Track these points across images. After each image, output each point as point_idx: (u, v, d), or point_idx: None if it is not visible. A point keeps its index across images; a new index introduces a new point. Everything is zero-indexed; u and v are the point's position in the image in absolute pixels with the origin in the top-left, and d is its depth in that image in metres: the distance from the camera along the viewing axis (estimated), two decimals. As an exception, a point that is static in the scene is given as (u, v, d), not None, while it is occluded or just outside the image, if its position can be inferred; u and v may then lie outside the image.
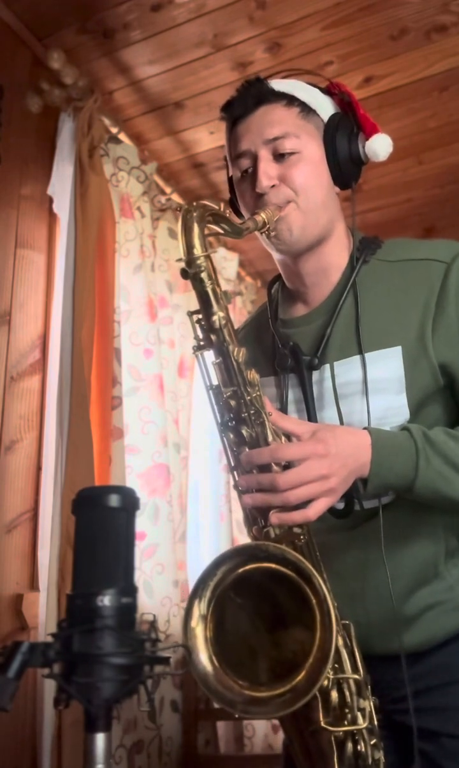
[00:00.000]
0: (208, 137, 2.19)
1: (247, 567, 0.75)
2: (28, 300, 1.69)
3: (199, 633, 0.73)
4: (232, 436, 0.85)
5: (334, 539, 0.97)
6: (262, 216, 0.91)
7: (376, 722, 0.84)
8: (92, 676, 0.52)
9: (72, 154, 1.76)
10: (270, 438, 0.83)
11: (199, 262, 0.84)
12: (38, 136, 1.80)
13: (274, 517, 0.80)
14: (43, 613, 1.47)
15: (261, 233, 0.94)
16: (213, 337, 0.86)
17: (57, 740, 1.43)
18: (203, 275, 0.84)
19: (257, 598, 0.78)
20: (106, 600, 0.54)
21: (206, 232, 0.86)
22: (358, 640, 0.87)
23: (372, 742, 0.82)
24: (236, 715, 0.71)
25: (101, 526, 0.57)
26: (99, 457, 1.69)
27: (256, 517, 0.84)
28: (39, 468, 1.63)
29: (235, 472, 0.86)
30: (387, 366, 0.92)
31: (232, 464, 0.86)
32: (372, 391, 0.92)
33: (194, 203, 0.86)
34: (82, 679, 0.52)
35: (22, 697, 1.46)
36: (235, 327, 0.89)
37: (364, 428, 0.87)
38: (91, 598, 0.54)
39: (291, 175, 0.95)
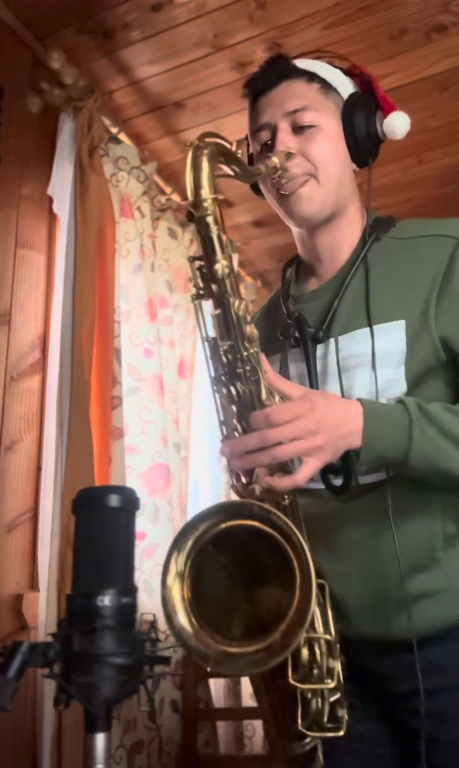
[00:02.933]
0: (207, 137, 2.19)
1: (229, 523, 0.73)
2: (28, 300, 1.69)
3: (176, 589, 0.72)
4: (224, 391, 0.83)
5: (327, 515, 0.95)
6: (273, 159, 0.91)
7: (342, 681, 0.84)
8: (92, 676, 0.52)
9: (72, 154, 1.76)
10: (264, 395, 0.81)
11: (206, 204, 0.79)
12: (38, 136, 1.80)
13: (263, 481, 0.79)
14: (43, 613, 1.47)
15: (272, 180, 0.94)
16: (214, 287, 0.82)
17: (57, 740, 1.43)
18: (209, 219, 0.80)
19: (237, 556, 0.77)
20: (106, 600, 0.54)
21: (216, 172, 0.81)
22: (346, 620, 0.86)
23: (336, 699, 0.82)
24: (208, 669, 0.70)
25: (101, 526, 0.58)
26: (99, 457, 1.69)
27: (240, 476, 0.83)
28: (39, 468, 1.63)
29: (223, 427, 0.84)
30: (389, 339, 0.91)
31: (222, 419, 0.85)
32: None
33: (205, 138, 0.81)
34: (82, 678, 0.52)
35: (22, 697, 1.46)
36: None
37: (357, 399, 0.86)
38: (91, 598, 0.54)
39: (309, 149, 0.96)
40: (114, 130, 2.02)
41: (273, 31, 1.78)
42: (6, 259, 1.64)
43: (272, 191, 0.99)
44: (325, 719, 0.80)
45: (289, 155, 0.94)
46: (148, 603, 1.77)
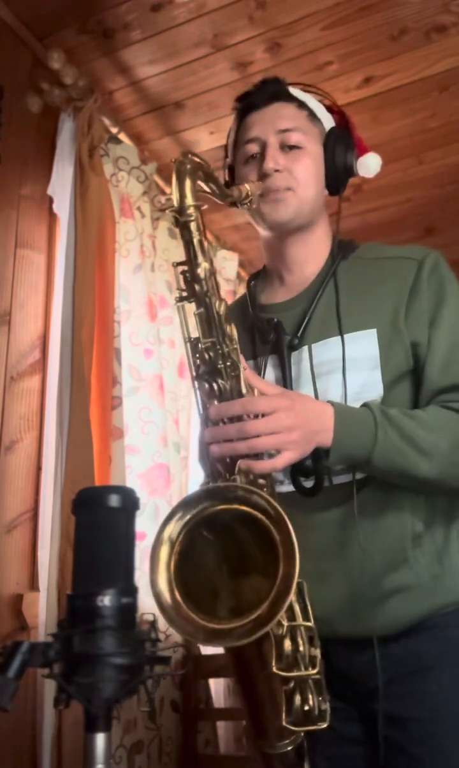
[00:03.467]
0: (208, 137, 2.19)
1: (213, 509, 0.77)
2: (28, 300, 1.69)
3: (164, 555, 0.77)
4: (206, 387, 0.88)
5: (301, 517, 0.95)
6: (246, 187, 0.99)
7: (323, 680, 0.86)
8: (92, 676, 0.52)
9: (72, 154, 1.76)
10: (244, 390, 0.86)
11: (189, 211, 0.87)
12: (38, 136, 1.80)
13: (243, 464, 0.83)
14: (43, 613, 1.47)
15: (242, 204, 1.00)
16: (197, 287, 0.89)
17: (57, 740, 1.43)
18: (192, 225, 0.88)
19: (225, 539, 0.80)
20: (106, 600, 0.54)
21: (197, 187, 0.90)
22: (322, 620, 0.87)
23: (319, 696, 0.84)
24: (198, 644, 0.72)
25: (101, 526, 0.57)
26: (99, 457, 1.69)
27: (221, 472, 0.86)
28: (39, 468, 1.63)
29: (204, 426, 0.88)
30: (362, 346, 0.98)
31: (204, 417, 0.88)
32: (348, 369, 0.97)
33: (188, 155, 0.89)
34: (82, 679, 0.52)
35: (22, 697, 1.46)
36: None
37: (328, 401, 0.91)
38: (92, 598, 0.54)
39: (295, 168, 1.04)
40: (114, 130, 2.02)
41: (273, 31, 1.78)
42: (6, 259, 1.64)
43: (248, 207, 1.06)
44: (309, 712, 0.82)
45: (264, 177, 1.03)
46: (149, 603, 1.76)
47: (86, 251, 1.69)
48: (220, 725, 2.18)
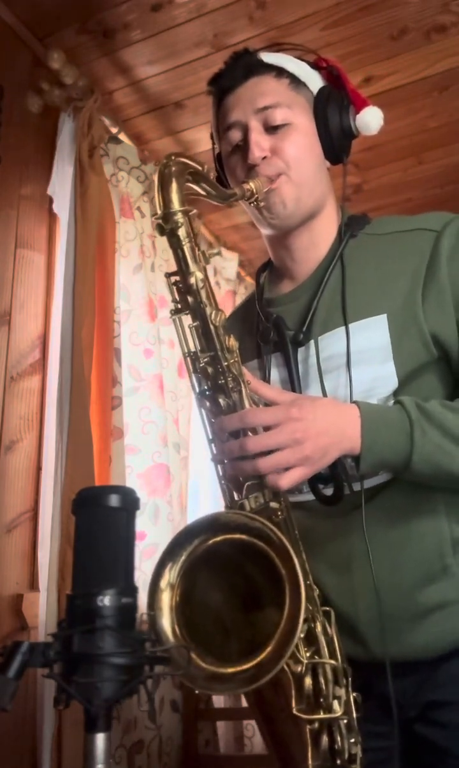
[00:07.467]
0: (208, 137, 2.17)
1: (216, 539, 0.71)
2: (28, 300, 1.69)
3: (166, 599, 0.71)
4: (208, 404, 0.81)
5: (324, 527, 0.91)
6: (250, 185, 0.89)
7: (354, 715, 0.78)
8: (92, 676, 0.52)
9: (72, 154, 1.76)
10: (247, 406, 0.79)
11: (176, 217, 0.79)
12: (38, 136, 1.80)
13: (251, 485, 0.76)
14: (43, 613, 1.47)
15: (249, 203, 0.91)
16: (190, 299, 0.81)
17: (57, 740, 1.43)
18: (180, 232, 0.79)
19: (228, 574, 0.74)
20: (106, 600, 0.54)
21: (185, 191, 0.81)
22: (356, 641, 0.82)
23: (350, 738, 0.77)
24: (197, 691, 0.68)
25: (101, 526, 0.57)
26: (99, 457, 1.69)
27: (231, 490, 0.80)
28: (39, 468, 1.63)
29: (212, 445, 0.81)
30: (371, 335, 0.88)
31: (210, 437, 0.82)
32: (357, 362, 0.87)
33: (172, 157, 0.81)
34: (82, 679, 0.52)
35: (22, 697, 1.46)
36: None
37: (353, 402, 0.82)
38: (91, 598, 0.54)
39: (283, 147, 0.92)
40: (114, 130, 2.02)
41: (273, 31, 1.78)
42: (6, 259, 1.64)
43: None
44: (338, 755, 0.75)
45: (262, 179, 0.91)
46: (148, 603, 1.76)
47: (86, 251, 1.69)
48: (220, 725, 2.18)
